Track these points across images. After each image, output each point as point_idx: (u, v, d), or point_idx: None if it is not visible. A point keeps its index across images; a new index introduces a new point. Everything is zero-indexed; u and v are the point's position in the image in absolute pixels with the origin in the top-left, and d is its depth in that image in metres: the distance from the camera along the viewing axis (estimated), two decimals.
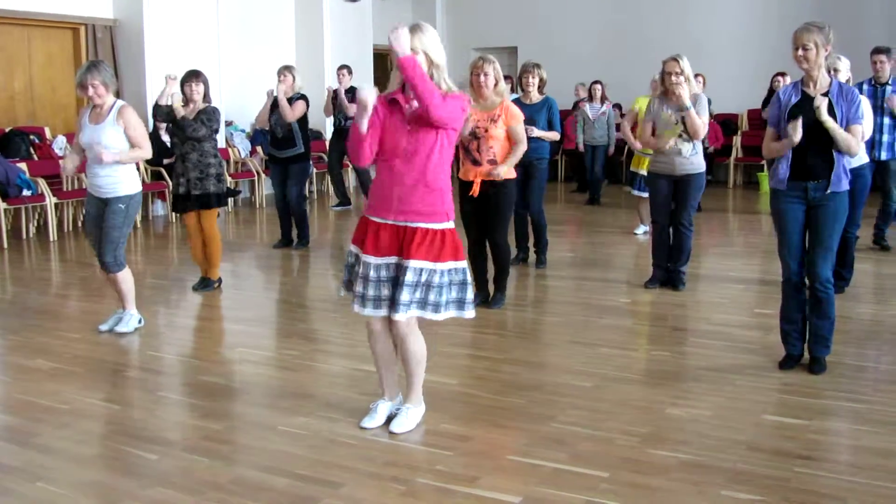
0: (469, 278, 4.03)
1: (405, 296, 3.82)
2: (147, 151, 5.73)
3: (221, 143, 12.61)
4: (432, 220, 3.87)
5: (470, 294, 4.00)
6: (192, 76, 7.02)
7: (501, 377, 4.94)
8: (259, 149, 13.04)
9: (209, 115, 6.90)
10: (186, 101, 7.01)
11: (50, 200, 9.78)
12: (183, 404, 4.65)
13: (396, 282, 3.87)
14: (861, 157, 6.45)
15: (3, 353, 5.69)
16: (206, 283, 7.20)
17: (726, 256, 8.53)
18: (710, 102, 6.94)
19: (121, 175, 5.70)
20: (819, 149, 4.67)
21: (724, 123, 13.95)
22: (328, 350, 5.62)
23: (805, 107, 4.67)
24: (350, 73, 11.68)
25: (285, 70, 8.83)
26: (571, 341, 5.66)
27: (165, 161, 11.08)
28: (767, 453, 3.81)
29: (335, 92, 11.48)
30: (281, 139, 8.82)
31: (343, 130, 11.60)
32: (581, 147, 12.49)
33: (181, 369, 5.28)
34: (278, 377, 5.08)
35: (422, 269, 3.83)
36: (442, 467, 3.73)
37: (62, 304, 7.14)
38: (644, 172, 8.62)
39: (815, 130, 4.64)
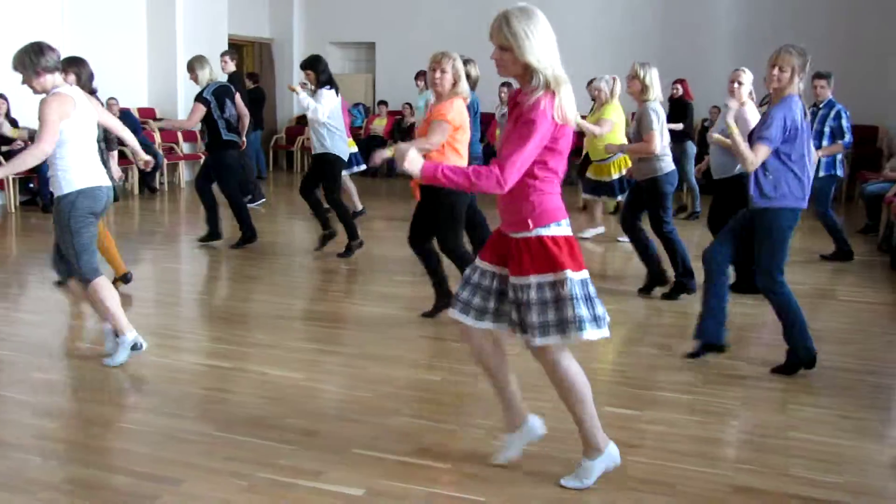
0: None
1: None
2: (35, 153, 4.66)
3: None
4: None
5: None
6: (64, 63, 5.94)
7: (351, 371, 4.95)
8: None
9: None
10: None
11: None
12: (15, 402, 4.45)
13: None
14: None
15: None
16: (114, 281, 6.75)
17: None
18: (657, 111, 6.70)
19: (58, 172, 4.83)
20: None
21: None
22: (170, 345, 5.47)
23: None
24: (233, 58, 11.23)
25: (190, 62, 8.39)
26: (420, 335, 5.71)
27: (4, 148, 10.59)
28: None
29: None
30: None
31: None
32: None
33: (16, 366, 5.03)
34: (118, 373, 4.92)
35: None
36: (285, 462, 3.71)
37: None
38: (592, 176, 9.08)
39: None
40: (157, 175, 12.87)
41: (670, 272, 6.81)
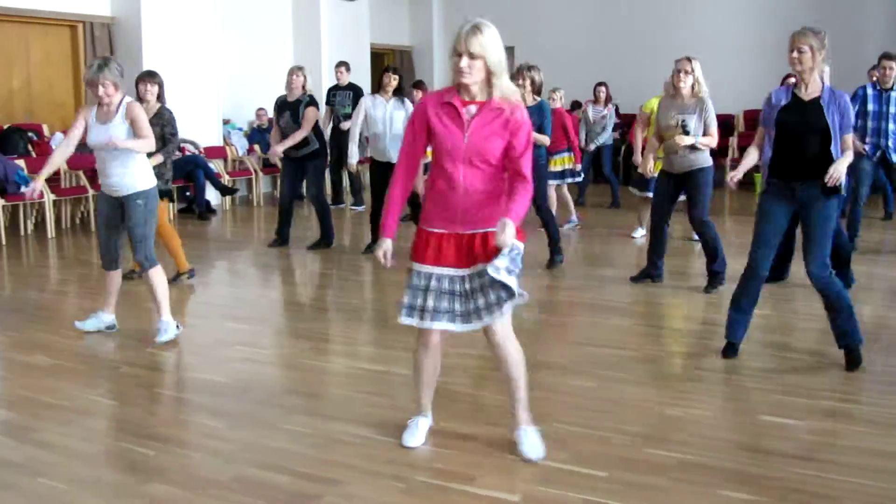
0: None
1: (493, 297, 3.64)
2: (152, 143, 5.61)
3: (220, 142, 12.64)
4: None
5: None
6: (147, 76, 7.10)
7: (500, 376, 4.94)
8: (257, 147, 13.05)
9: (166, 121, 6.93)
10: (140, 99, 6.99)
11: (48, 197, 9.79)
12: (182, 401, 4.66)
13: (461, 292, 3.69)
14: None
15: (2, 349, 5.70)
16: (177, 276, 7.33)
17: None
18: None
19: (134, 171, 5.60)
20: (807, 151, 4.79)
21: (722, 124, 14.00)
22: (327, 349, 5.64)
23: (794, 109, 4.82)
24: (348, 69, 11.71)
25: (297, 70, 8.81)
26: (572, 341, 5.68)
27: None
28: (764, 454, 3.84)
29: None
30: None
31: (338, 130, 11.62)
32: (584, 146, 12.36)
33: (180, 367, 5.30)
34: (278, 375, 5.10)
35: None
36: (441, 465, 3.75)
37: (60, 301, 7.15)
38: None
39: (802, 133, 4.79)
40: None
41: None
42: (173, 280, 7.16)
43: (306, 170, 8.90)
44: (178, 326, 5.75)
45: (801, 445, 3.94)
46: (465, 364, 5.24)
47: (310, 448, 3.95)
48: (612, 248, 9.14)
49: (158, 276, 5.76)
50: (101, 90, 5.40)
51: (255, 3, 13.80)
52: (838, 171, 4.69)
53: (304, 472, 3.69)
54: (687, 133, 6.72)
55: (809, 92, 4.81)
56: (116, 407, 4.58)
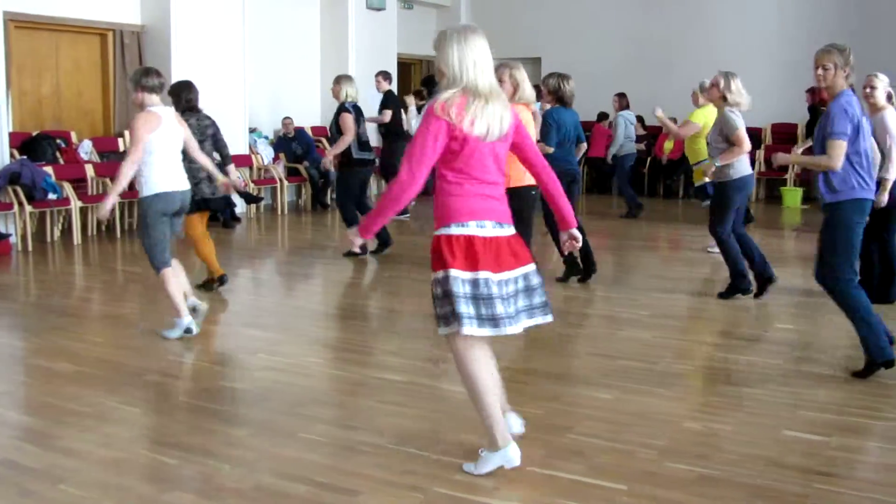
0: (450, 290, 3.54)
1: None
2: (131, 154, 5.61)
3: (246, 150, 12.70)
4: None
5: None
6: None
7: (520, 387, 4.93)
8: (282, 156, 13.12)
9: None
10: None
11: (75, 204, 9.87)
12: (203, 410, 4.67)
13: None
14: None
15: (26, 355, 5.76)
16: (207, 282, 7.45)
17: None
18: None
19: (141, 178, 5.76)
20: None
21: (749, 137, 13.95)
22: (349, 358, 5.64)
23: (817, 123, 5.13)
24: (385, 78, 11.77)
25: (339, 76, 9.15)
26: (590, 353, 5.65)
27: None
28: (787, 469, 3.79)
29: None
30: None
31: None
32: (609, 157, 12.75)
33: (202, 375, 5.32)
34: (298, 384, 5.10)
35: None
36: (460, 477, 3.73)
37: (85, 308, 7.20)
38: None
39: (815, 144, 5.04)
40: (329, 191, 13.25)
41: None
42: (203, 286, 7.23)
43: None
44: (188, 330, 5.88)
45: (825, 462, 3.89)
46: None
47: (328, 458, 3.95)
48: (631, 260, 9.10)
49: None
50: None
51: (284, 12, 13.89)
52: (782, 157, 5.28)
53: (322, 482, 3.68)
54: (707, 144, 6.99)
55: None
56: (139, 414, 4.60)
